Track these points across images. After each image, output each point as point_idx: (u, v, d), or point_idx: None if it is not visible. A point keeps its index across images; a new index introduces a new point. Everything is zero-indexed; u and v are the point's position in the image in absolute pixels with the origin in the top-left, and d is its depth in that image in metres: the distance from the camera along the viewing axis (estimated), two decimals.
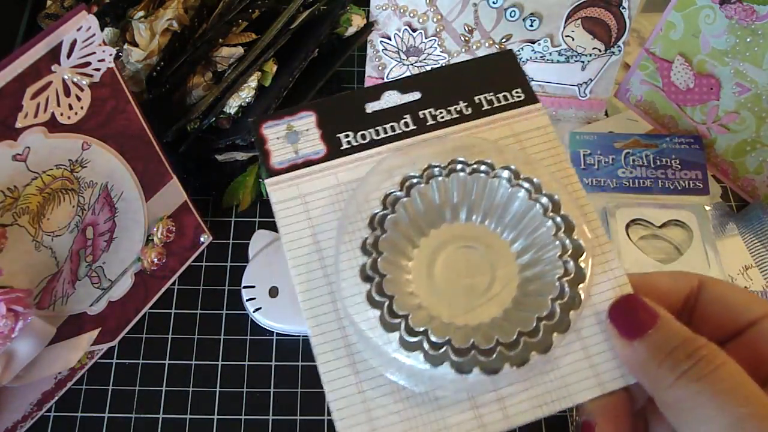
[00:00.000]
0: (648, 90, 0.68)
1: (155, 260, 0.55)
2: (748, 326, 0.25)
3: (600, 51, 0.64)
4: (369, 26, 0.65)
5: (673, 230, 0.59)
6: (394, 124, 0.38)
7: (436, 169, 0.35)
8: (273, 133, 0.37)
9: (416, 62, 0.67)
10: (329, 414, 0.56)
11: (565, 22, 0.62)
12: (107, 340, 0.55)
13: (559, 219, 0.33)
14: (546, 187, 0.34)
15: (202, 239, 0.61)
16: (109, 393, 0.55)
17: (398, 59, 0.67)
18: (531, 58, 0.65)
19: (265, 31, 0.59)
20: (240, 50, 0.58)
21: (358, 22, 0.64)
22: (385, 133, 0.38)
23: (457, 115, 0.39)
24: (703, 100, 0.64)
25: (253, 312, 0.57)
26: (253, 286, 0.58)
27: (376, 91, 0.39)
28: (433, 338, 0.30)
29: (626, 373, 0.29)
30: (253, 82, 0.58)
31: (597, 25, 0.62)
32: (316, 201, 0.36)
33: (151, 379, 0.56)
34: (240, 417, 0.55)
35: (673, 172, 0.63)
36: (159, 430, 0.54)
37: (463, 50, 0.66)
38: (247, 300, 0.58)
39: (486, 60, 0.40)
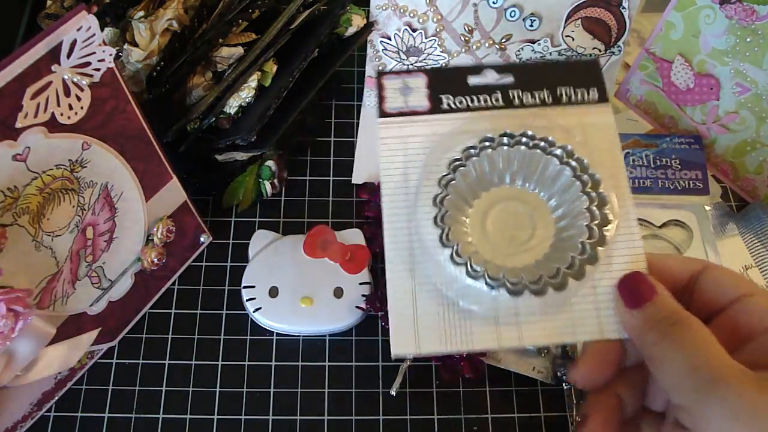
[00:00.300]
0: (648, 90, 0.68)
1: (155, 260, 0.55)
2: (732, 303, 0.30)
3: (600, 51, 0.64)
4: (369, 26, 0.65)
5: (673, 230, 0.59)
6: (487, 97, 0.47)
7: (506, 138, 0.43)
8: (391, 84, 0.46)
9: (416, 62, 0.67)
10: (329, 413, 0.57)
11: (565, 22, 0.62)
12: (107, 340, 0.55)
13: (595, 194, 0.41)
14: (591, 168, 0.42)
15: (202, 239, 0.61)
16: (109, 393, 0.55)
17: (398, 59, 0.67)
18: (531, 58, 0.65)
19: (265, 31, 0.59)
20: (240, 50, 0.58)
21: (358, 22, 0.64)
22: (478, 102, 0.47)
23: (539, 101, 0.47)
24: (703, 100, 0.64)
25: (253, 312, 0.57)
26: (253, 286, 0.58)
27: (478, 69, 0.48)
28: (474, 266, 0.39)
29: (622, 330, 0.36)
30: (253, 82, 0.58)
31: (597, 25, 0.62)
32: (412, 143, 0.45)
33: (151, 379, 0.56)
34: (240, 417, 0.55)
35: (673, 172, 0.63)
36: (159, 430, 0.54)
37: (463, 50, 0.66)
38: (247, 300, 0.58)
39: (574, 63, 0.50)
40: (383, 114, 0.47)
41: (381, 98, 0.47)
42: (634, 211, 0.42)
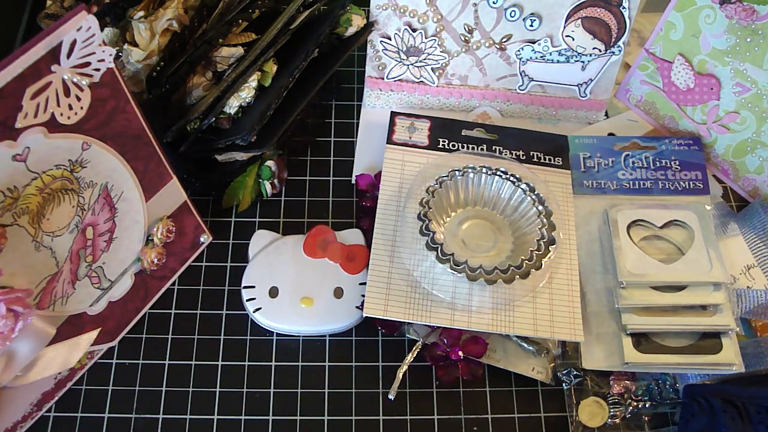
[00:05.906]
0: (648, 90, 0.68)
1: (155, 260, 0.55)
2: None
3: (600, 51, 0.64)
4: (369, 26, 0.65)
5: (674, 230, 0.59)
6: (474, 146, 0.61)
7: (471, 170, 0.56)
8: (401, 122, 0.62)
9: (416, 62, 0.67)
10: (329, 413, 0.57)
11: (565, 22, 0.62)
12: (107, 340, 0.55)
13: (546, 220, 0.53)
14: (547, 203, 0.54)
15: (202, 239, 0.61)
16: (109, 393, 0.55)
17: (398, 59, 0.67)
18: (531, 58, 0.65)
19: (265, 31, 0.59)
20: (240, 50, 0.58)
21: (358, 22, 0.64)
22: (464, 148, 0.61)
23: (514, 157, 0.61)
24: (704, 100, 0.64)
25: (253, 312, 0.57)
26: (253, 286, 0.58)
27: (471, 126, 0.63)
28: (444, 251, 0.51)
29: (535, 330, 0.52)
30: (253, 82, 0.58)
31: (597, 25, 0.62)
32: (409, 166, 0.60)
33: (151, 379, 0.56)
34: (240, 417, 0.55)
35: (673, 173, 0.63)
36: (159, 430, 0.54)
37: (463, 50, 0.66)
38: (247, 300, 0.58)
39: (547, 134, 0.64)
40: (391, 142, 0.61)
41: (392, 131, 0.62)
42: (574, 241, 0.56)
